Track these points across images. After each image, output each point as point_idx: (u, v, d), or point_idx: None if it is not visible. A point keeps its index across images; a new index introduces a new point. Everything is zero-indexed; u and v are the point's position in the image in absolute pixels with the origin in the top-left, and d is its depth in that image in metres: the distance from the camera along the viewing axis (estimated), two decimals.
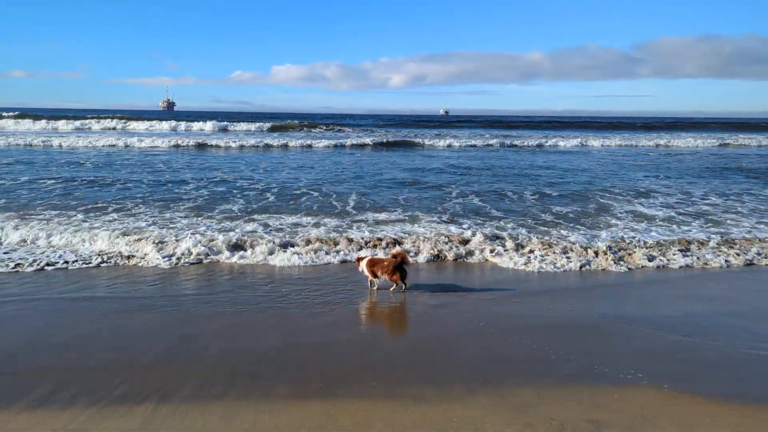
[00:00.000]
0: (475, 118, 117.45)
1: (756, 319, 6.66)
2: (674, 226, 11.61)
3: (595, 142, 41.93)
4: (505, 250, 9.42)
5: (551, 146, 38.63)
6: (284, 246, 9.13)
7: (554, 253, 9.32)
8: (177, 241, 9.20)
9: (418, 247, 9.49)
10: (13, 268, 8.05)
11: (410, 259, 7.91)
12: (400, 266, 7.15)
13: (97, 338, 5.69)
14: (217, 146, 31.68)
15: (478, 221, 11.67)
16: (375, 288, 7.44)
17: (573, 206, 13.83)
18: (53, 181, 15.98)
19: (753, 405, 4.56)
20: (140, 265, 8.47)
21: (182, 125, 49.12)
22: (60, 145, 29.53)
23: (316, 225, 10.82)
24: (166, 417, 4.19)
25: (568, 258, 9.12)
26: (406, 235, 10.05)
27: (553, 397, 4.64)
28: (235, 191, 15.19)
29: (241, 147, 31.82)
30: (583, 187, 17.43)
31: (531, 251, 9.39)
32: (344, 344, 5.70)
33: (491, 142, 39.12)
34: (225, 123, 51.99)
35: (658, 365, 5.29)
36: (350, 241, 9.57)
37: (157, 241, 9.22)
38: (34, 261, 8.31)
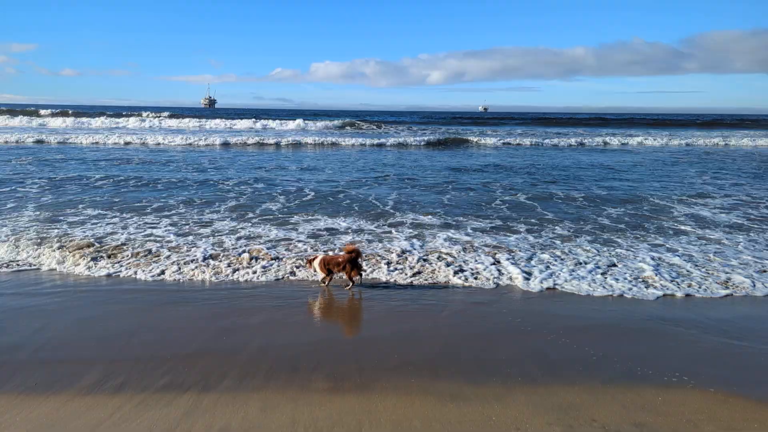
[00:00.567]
0: (515, 114, 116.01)
1: None
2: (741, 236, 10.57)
3: (641, 139, 40.76)
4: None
5: (596, 144, 37.69)
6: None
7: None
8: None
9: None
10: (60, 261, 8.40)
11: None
12: (355, 261, 7.15)
13: (140, 330, 5.88)
14: (262, 144, 32.17)
15: (530, 225, 11.23)
16: (326, 285, 7.39)
17: (626, 208, 13.34)
18: (105, 181, 16.52)
19: None
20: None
21: (268, 125, 49.15)
22: (118, 143, 30.49)
23: (354, 231, 10.51)
24: (208, 406, 4.32)
25: (646, 286, 7.65)
26: (454, 247, 9.18)
27: (595, 398, 4.56)
28: (277, 189, 15.45)
29: (295, 145, 32.40)
30: (633, 187, 16.95)
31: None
32: (381, 340, 5.75)
33: (533, 140, 38.17)
34: (301, 121, 51.80)
35: (705, 368, 5.14)
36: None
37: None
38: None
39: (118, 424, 4.09)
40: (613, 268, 8.35)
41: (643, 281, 7.80)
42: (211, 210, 12.14)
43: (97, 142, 30.40)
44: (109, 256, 8.46)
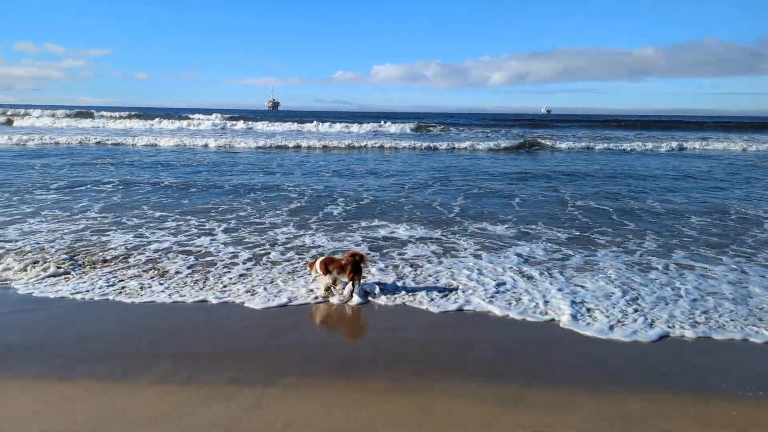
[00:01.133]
0: (579, 116, 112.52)
1: None
2: None
3: (717, 144, 38.19)
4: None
5: (668, 149, 35.71)
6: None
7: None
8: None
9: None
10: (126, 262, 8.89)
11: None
12: (357, 265, 7.00)
13: (203, 327, 6.16)
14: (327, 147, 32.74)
15: (609, 236, 10.67)
16: (322, 288, 7.19)
17: (711, 218, 12.46)
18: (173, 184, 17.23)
19: None
20: None
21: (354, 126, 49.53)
22: (191, 145, 31.75)
23: (415, 241, 10.21)
24: (270, 402, 4.45)
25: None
26: (524, 267, 8.36)
27: (663, 409, 4.47)
28: (338, 191, 15.69)
29: (355, 147, 32.71)
30: (713, 196, 15.91)
31: None
32: (437, 345, 5.79)
33: (602, 144, 36.54)
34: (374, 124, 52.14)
35: None
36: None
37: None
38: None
39: (185, 414, 4.28)
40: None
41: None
42: (274, 214, 12.47)
43: (156, 144, 31.66)
44: (162, 275, 8.22)
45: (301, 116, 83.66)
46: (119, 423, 4.15)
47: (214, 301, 6.80)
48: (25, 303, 6.71)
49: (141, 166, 21.56)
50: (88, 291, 7.08)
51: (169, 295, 6.98)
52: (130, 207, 12.77)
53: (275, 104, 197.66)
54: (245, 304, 6.74)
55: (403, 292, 7.26)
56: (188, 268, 8.11)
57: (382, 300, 7.00)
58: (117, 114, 57.66)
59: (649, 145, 36.29)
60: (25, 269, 7.71)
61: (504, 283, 7.66)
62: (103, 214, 11.81)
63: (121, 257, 8.62)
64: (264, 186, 16.49)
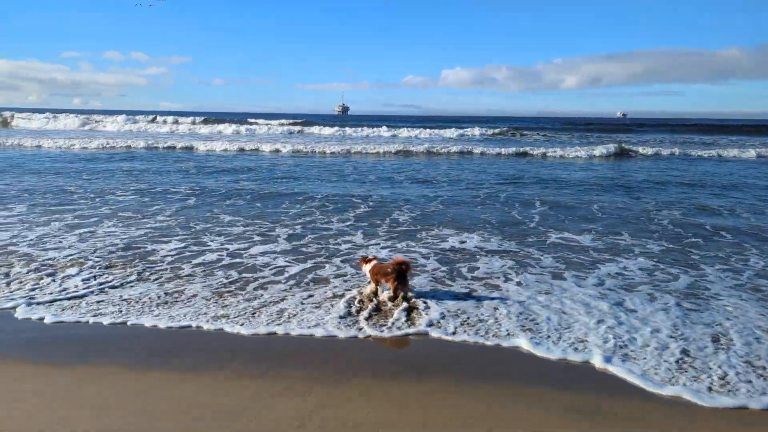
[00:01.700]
0: (657, 120, 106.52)
1: None
2: None
3: None
4: None
5: (758, 155, 32.40)
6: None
7: None
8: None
9: None
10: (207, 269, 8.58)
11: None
12: (402, 274, 6.69)
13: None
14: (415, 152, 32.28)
15: (705, 250, 9.51)
16: (375, 296, 6.99)
17: None
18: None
19: None
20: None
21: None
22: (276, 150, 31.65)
23: (487, 253, 9.43)
24: (341, 401, 4.51)
25: None
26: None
27: None
28: (404, 200, 15.08)
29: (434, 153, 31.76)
30: None
31: None
32: (506, 351, 5.58)
33: (684, 150, 33.92)
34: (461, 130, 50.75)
35: None
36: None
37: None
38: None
39: (261, 408, 4.39)
40: None
41: None
42: (341, 219, 12.05)
43: (227, 149, 32.19)
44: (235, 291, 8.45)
45: (370, 120, 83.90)
46: (200, 413, 4.30)
47: (206, 327, 6.05)
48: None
49: (218, 170, 21.92)
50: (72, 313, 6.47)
51: (156, 316, 6.30)
52: (201, 210, 12.75)
53: (345, 109, 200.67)
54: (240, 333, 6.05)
55: (467, 321, 6.22)
56: (213, 291, 7.14)
57: (444, 331, 5.99)
58: (192, 119, 59.38)
59: (734, 152, 33.21)
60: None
61: (603, 321, 6.22)
62: (174, 218, 11.81)
63: (154, 271, 8.01)
64: (335, 191, 16.15)
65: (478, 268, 8.42)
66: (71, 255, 8.62)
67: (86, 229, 10.38)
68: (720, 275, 8.12)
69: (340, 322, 6.10)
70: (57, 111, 67.04)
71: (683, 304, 6.85)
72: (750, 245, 9.90)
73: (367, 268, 7.04)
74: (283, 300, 6.83)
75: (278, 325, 6.06)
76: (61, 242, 9.40)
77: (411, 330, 5.96)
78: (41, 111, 65.61)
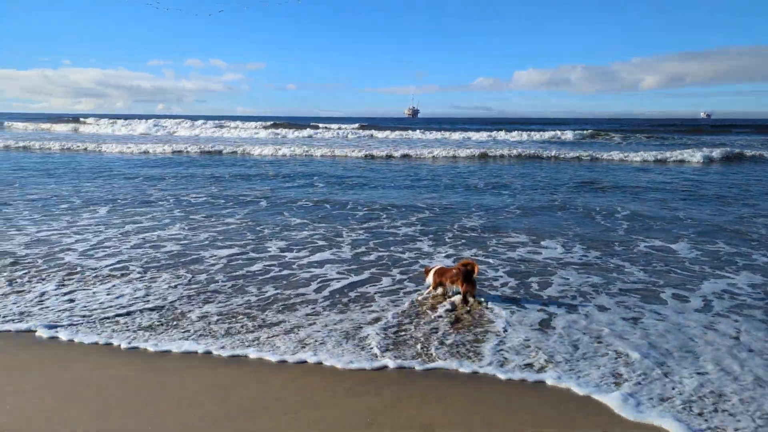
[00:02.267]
0: (744, 121, 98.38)
1: None
2: None
3: None
4: None
5: None
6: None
7: None
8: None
9: None
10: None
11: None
12: (469, 275, 6.50)
13: None
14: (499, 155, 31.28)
15: None
16: (439, 293, 6.84)
17: None
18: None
19: None
20: None
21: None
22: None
23: (565, 265, 8.64)
24: (412, 402, 4.45)
25: None
26: None
27: None
28: (476, 205, 14.23)
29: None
30: None
31: None
32: None
33: None
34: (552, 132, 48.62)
35: None
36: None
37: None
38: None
39: (332, 404, 4.38)
40: None
41: None
42: (407, 224, 11.42)
43: (299, 154, 31.47)
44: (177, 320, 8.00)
45: (440, 123, 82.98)
46: (274, 405, 4.33)
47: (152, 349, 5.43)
48: None
49: (291, 173, 21.93)
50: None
51: (129, 342, 5.54)
52: (271, 213, 12.56)
53: (415, 112, 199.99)
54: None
55: (530, 361, 5.07)
56: (229, 311, 6.35)
57: (498, 366, 5.00)
58: (262, 123, 60.51)
59: None
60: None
61: (728, 372, 4.84)
62: (243, 220, 11.66)
63: (185, 283, 7.41)
64: (404, 196, 15.58)
65: (552, 283, 7.48)
66: (113, 264, 8.22)
67: (151, 233, 10.32)
68: None
69: (351, 361, 5.09)
70: (140, 117, 70.67)
71: None
72: None
73: (430, 274, 6.83)
74: (300, 327, 5.88)
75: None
76: (118, 247, 9.19)
77: (458, 367, 5.00)
78: (126, 117, 69.84)
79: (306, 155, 29.46)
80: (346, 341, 5.52)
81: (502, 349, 5.32)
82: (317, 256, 8.80)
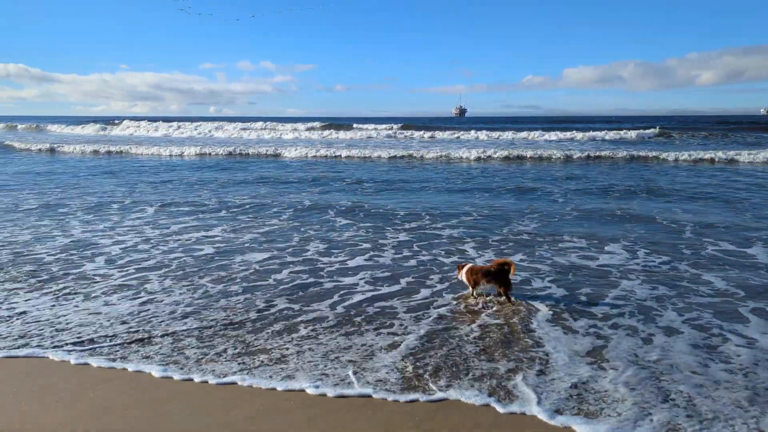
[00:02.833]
0: None
1: None
2: None
3: None
4: None
5: None
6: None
7: None
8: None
9: None
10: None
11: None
12: (505, 275, 6.32)
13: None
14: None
15: None
16: (475, 294, 6.59)
17: None
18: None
19: None
20: None
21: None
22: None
23: (626, 271, 7.91)
24: (460, 406, 4.16)
25: None
26: None
27: None
28: (529, 209, 13.44)
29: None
30: None
31: None
32: None
33: None
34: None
35: None
36: None
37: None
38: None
39: (379, 407, 4.17)
40: None
41: None
42: (451, 226, 10.79)
43: (338, 156, 30.64)
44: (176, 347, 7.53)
45: (487, 122, 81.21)
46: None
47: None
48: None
49: (339, 174, 21.66)
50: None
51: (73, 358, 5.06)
52: (318, 213, 12.25)
53: (462, 111, 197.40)
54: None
55: (578, 407, 4.11)
56: (209, 330, 5.66)
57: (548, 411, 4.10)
58: (313, 124, 59.49)
59: None
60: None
61: None
62: (290, 221, 11.38)
63: (195, 295, 7.17)
64: (451, 198, 14.98)
65: (608, 295, 6.62)
66: (131, 273, 7.68)
67: (192, 235, 10.09)
68: None
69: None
70: (194, 119, 71.92)
71: None
72: None
73: (463, 272, 6.58)
74: (289, 357, 5.00)
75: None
76: (149, 252, 8.84)
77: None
78: (182, 119, 71.51)
79: (350, 156, 28.71)
80: (342, 381, 4.53)
81: (542, 387, 4.39)
82: (354, 261, 8.26)
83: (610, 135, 41.87)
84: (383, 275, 7.55)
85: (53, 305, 6.44)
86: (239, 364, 4.89)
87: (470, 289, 6.60)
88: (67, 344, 5.35)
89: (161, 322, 5.92)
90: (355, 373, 4.68)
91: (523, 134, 43.83)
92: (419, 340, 5.37)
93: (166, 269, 7.90)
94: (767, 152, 25.13)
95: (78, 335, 5.56)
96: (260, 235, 10.02)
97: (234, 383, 4.56)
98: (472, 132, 45.66)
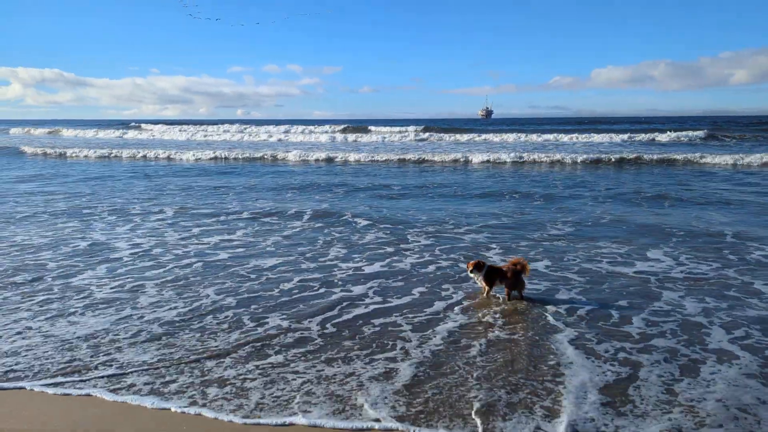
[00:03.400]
0: None
1: None
2: None
3: None
4: None
5: None
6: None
7: None
8: None
9: None
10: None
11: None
12: (518, 275, 6.19)
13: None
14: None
15: None
16: (486, 296, 6.40)
17: None
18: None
19: None
20: None
21: None
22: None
23: (666, 279, 7.38)
24: None
25: None
26: None
27: None
28: (563, 212, 12.81)
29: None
30: None
31: None
32: None
33: None
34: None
35: None
36: None
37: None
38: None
39: None
40: None
41: None
42: (472, 229, 10.26)
43: (359, 160, 28.79)
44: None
45: (513, 123, 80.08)
46: None
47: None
48: None
49: (363, 175, 21.45)
50: None
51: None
52: (342, 216, 11.82)
53: (488, 112, 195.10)
54: None
55: None
56: (165, 359, 4.76)
57: None
58: (343, 126, 59.34)
59: None
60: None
61: None
62: (312, 222, 11.06)
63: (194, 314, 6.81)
64: (479, 203, 14.53)
65: (645, 308, 5.94)
66: (129, 282, 7.10)
67: (212, 238, 9.79)
68: None
69: None
70: (222, 122, 72.95)
71: None
72: None
73: (480, 271, 6.31)
74: (253, 390, 4.28)
75: None
76: (159, 258, 8.38)
77: None
78: (212, 123, 72.93)
79: (377, 160, 28.14)
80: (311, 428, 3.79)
81: None
82: (371, 268, 7.77)
83: (659, 137, 38.25)
84: (396, 284, 7.02)
85: (15, 321, 5.81)
86: (189, 398, 4.16)
87: (488, 288, 6.36)
88: None
89: (117, 347, 5.11)
90: (328, 415, 3.88)
91: (565, 137, 40.66)
92: (419, 367, 4.60)
93: (169, 278, 7.35)
94: None
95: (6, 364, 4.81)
96: (283, 238, 9.69)
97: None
98: (501, 134, 44.37)
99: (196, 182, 18.68)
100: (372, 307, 6.19)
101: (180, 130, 58.95)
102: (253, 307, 6.22)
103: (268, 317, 5.89)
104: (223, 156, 29.11)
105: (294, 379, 4.44)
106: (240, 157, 29.06)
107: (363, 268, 7.79)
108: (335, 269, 7.75)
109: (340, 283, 7.11)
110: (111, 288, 6.95)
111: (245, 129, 60.71)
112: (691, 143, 35.45)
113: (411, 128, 54.59)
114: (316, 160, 27.16)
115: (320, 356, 4.89)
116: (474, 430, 3.70)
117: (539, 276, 7.20)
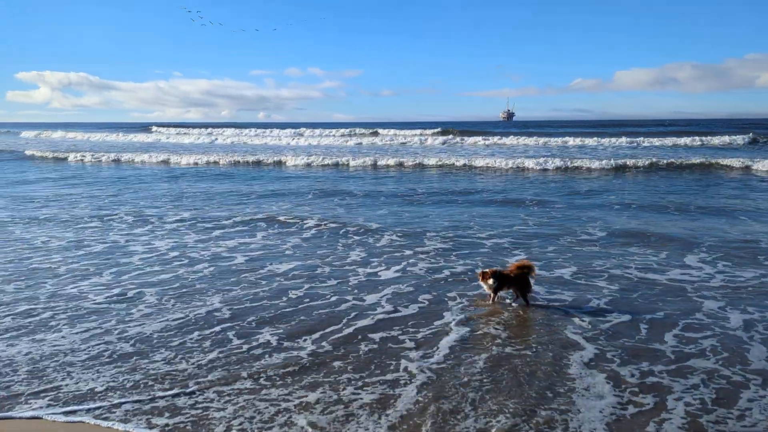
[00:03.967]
0: None
1: None
2: None
3: None
4: None
5: None
6: None
7: None
8: None
9: None
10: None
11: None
12: (525, 278, 6.09)
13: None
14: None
15: None
16: (493, 301, 6.19)
17: None
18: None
19: None
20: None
21: None
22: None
23: (701, 286, 6.87)
24: None
25: None
26: None
27: None
28: (595, 218, 12.35)
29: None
30: None
31: None
32: None
33: None
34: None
35: None
36: None
37: None
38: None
39: None
40: None
41: None
42: (497, 234, 9.90)
43: (376, 164, 28.61)
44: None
45: (535, 126, 78.93)
46: None
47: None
48: None
49: (390, 182, 21.29)
50: None
51: None
52: (365, 219, 11.56)
53: (510, 115, 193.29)
54: None
55: None
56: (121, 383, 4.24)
57: None
58: (361, 131, 59.22)
59: None
60: None
61: None
62: (327, 223, 10.77)
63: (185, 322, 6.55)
64: (499, 209, 14.15)
65: (679, 323, 5.43)
66: (132, 288, 6.83)
67: (232, 241, 9.61)
68: None
69: None
70: (243, 125, 73.82)
71: None
72: None
73: (485, 280, 6.12)
74: (228, 422, 3.73)
75: None
76: (170, 263, 8.34)
77: None
78: (232, 126, 74.06)
79: (403, 164, 27.36)
80: None
81: None
82: (386, 273, 7.43)
83: (695, 141, 35.19)
84: (407, 290, 6.69)
85: None
86: (135, 424, 3.70)
87: (493, 294, 6.18)
88: None
89: (67, 372, 4.54)
90: None
91: (591, 141, 38.30)
92: (418, 392, 4.08)
93: (174, 285, 7.00)
94: None
95: None
96: (302, 241, 9.48)
97: None
98: (523, 137, 43.05)
99: (221, 185, 18.65)
100: (378, 316, 5.82)
101: (197, 135, 58.82)
102: (248, 319, 5.77)
103: (259, 332, 5.41)
104: (244, 161, 28.64)
105: (266, 408, 3.89)
106: (249, 161, 28.46)
107: (379, 273, 7.48)
108: (350, 273, 7.47)
109: (351, 289, 6.78)
110: (106, 297, 6.53)
111: (266, 132, 60.42)
112: (739, 148, 32.13)
113: (429, 131, 53.56)
114: (336, 165, 26.72)
115: (303, 379, 4.32)
116: None
117: (563, 284, 6.81)
